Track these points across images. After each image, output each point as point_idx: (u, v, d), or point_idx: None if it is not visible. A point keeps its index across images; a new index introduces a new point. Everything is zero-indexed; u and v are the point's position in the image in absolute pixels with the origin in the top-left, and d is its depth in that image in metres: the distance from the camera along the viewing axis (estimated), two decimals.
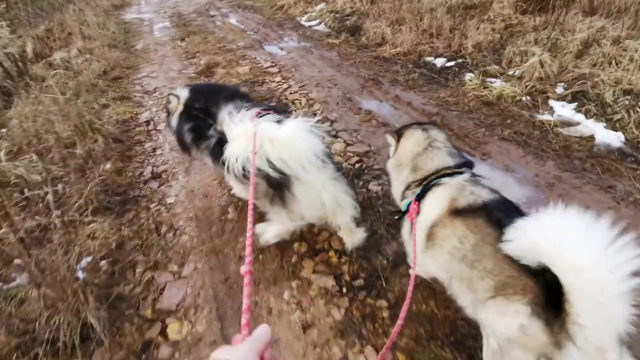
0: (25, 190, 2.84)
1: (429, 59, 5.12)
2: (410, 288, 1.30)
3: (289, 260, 2.34)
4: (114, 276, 2.35)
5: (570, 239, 1.02)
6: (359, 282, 2.17)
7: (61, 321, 1.91)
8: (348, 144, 3.43)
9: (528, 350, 1.14)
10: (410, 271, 1.42)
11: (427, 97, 4.20)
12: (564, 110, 3.67)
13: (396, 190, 1.87)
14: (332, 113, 4.05)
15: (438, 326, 1.88)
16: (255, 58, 6.09)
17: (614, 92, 3.59)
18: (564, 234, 1.04)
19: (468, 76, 4.49)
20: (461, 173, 1.61)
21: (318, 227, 2.50)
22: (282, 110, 2.29)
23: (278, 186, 1.92)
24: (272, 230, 2.27)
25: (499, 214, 1.36)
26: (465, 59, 4.82)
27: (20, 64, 5.48)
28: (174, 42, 7.81)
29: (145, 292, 2.23)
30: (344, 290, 2.13)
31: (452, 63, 4.85)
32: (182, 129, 2.46)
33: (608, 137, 3.22)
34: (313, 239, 2.47)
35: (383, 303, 2.04)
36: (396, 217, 1.85)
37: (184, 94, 2.55)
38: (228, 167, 1.89)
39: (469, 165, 1.70)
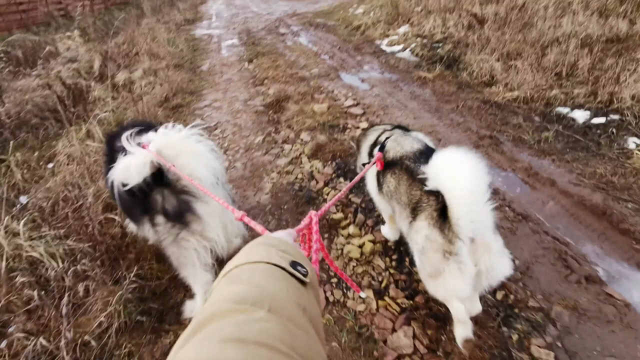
0: (36, 293, 2.09)
1: (563, 109, 3.91)
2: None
3: None
4: None
5: (454, 171, 1.42)
6: None
7: None
8: None
9: (435, 250, 1.53)
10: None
11: (576, 172, 3.01)
12: None
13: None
14: None
15: None
16: (332, 92, 5.21)
17: None
18: (451, 167, 1.43)
19: (632, 142, 3.23)
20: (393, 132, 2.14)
21: None
22: None
23: (178, 215, 1.82)
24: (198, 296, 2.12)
25: (412, 162, 1.77)
26: (623, 115, 3.55)
27: (74, 90, 4.99)
28: (241, 64, 7.21)
29: None
30: None
31: (601, 119, 3.60)
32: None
33: None
34: None
35: None
36: (363, 164, 2.21)
37: None
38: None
39: (402, 127, 2.23)
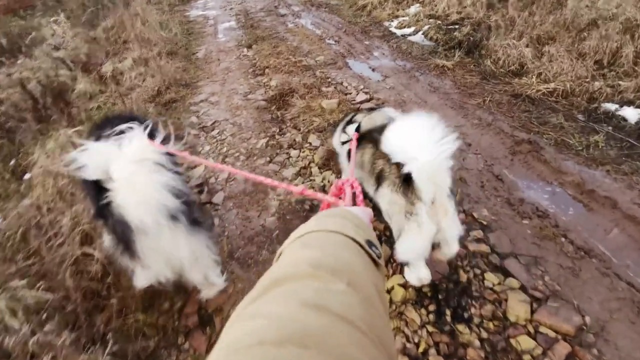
0: None
1: (610, 106, 3.40)
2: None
3: None
4: None
5: (409, 140, 1.51)
6: None
7: None
8: (533, 298, 1.92)
9: (398, 212, 1.67)
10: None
11: (638, 189, 2.55)
12: None
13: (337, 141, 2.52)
14: (479, 207, 2.54)
15: None
16: (341, 83, 4.68)
17: None
18: (406, 136, 1.52)
19: None
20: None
21: None
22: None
23: (121, 242, 1.63)
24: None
25: (377, 135, 1.77)
26: None
27: (54, 87, 4.47)
28: (240, 50, 6.64)
29: None
30: None
31: None
32: None
33: None
34: None
35: None
36: (343, 143, 2.37)
37: None
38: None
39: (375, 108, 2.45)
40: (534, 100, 3.74)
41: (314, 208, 2.76)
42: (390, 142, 1.57)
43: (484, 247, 2.23)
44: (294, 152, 3.42)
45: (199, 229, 1.81)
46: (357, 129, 2.12)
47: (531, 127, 3.35)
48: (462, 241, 2.30)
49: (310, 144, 3.50)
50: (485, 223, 2.41)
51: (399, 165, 1.60)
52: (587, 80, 3.68)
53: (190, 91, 5.22)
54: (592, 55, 3.99)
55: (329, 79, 4.83)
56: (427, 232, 1.60)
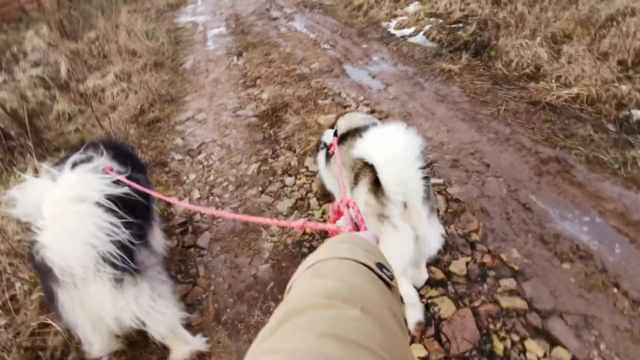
0: None
1: None
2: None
3: None
4: None
5: (381, 146, 1.49)
6: None
7: None
8: None
9: (371, 214, 1.60)
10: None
11: None
12: None
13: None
14: (507, 246, 2.15)
15: None
16: (339, 94, 4.29)
17: None
18: (378, 143, 1.50)
19: None
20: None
21: None
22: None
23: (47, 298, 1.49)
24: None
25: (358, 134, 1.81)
26: None
27: (22, 115, 4.07)
28: (229, 59, 6.25)
29: None
30: None
31: None
32: None
33: None
34: None
35: None
36: (322, 148, 2.36)
37: None
38: None
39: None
40: (556, 108, 3.34)
41: (313, 250, 2.37)
42: (360, 146, 1.57)
43: (519, 303, 1.84)
44: (289, 180, 3.03)
45: (140, 277, 1.51)
46: (335, 133, 2.12)
47: (556, 140, 2.96)
48: (492, 294, 1.92)
49: (307, 168, 3.12)
50: (517, 268, 2.03)
51: (373, 167, 1.60)
52: (614, 84, 3.28)
53: (175, 108, 4.83)
54: (615, 54, 3.59)
55: (326, 90, 4.44)
56: (405, 234, 1.55)
